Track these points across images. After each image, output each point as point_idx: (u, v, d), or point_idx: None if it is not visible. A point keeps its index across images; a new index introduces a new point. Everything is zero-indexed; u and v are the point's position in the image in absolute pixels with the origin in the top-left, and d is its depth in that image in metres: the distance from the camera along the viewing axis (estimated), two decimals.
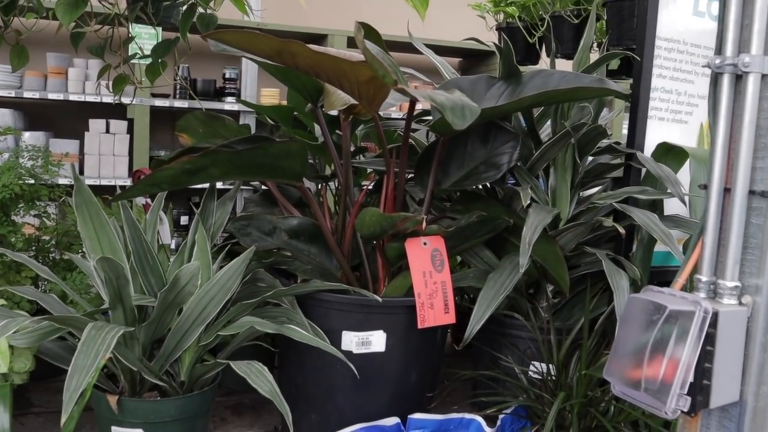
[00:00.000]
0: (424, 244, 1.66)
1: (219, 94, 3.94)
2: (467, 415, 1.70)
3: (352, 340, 1.63)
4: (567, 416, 1.71)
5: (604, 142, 1.94)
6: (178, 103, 3.77)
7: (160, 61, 2.23)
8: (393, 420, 1.65)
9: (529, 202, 1.62)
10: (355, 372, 1.59)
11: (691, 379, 1.11)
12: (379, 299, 1.57)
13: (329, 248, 1.76)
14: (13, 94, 3.52)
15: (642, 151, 1.88)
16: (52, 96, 3.57)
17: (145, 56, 2.21)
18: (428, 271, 1.65)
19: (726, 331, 1.11)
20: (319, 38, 4.12)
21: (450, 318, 1.67)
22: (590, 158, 1.99)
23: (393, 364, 1.67)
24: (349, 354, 1.63)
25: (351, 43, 4.11)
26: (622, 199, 1.79)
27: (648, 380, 1.15)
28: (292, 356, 1.71)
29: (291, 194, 2.01)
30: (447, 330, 1.86)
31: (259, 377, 1.39)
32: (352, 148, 2.13)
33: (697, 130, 1.99)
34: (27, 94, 3.53)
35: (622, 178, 1.92)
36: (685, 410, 1.12)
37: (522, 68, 1.84)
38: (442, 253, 1.68)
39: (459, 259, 2.25)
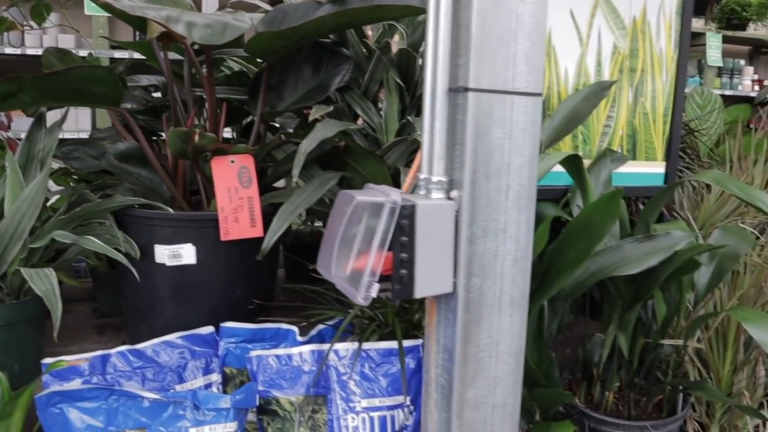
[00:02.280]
0: (232, 162, 1.74)
1: None
2: (284, 326, 1.78)
3: (163, 253, 1.73)
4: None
5: None
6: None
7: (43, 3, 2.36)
8: (209, 329, 1.74)
9: (319, 117, 1.67)
10: (136, 277, 1.69)
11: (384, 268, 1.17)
12: (171, 211, 1.66)
13: (157, 172, 1.86)
14: None
15: None
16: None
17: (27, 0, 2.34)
18: (234, 187, 1.73)
19: (426, 223, 1.15)
20: None
21: (257, 232, 1.75)
22: None
23: (207, 276, 1.77)
24: (163, 266, 1.74)
25: None
26: None
27: (343, 269, 1.21)
28: (123, 272, 1.83)
29: (150, 127, 2.11)
30: (279, 247, 1.94)
31: (42, 280, 1.51)
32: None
33: None
34: None
35: None
36: (374, 296, 1.18)
37: None
38: (250, 170, 1.75)
39: None
